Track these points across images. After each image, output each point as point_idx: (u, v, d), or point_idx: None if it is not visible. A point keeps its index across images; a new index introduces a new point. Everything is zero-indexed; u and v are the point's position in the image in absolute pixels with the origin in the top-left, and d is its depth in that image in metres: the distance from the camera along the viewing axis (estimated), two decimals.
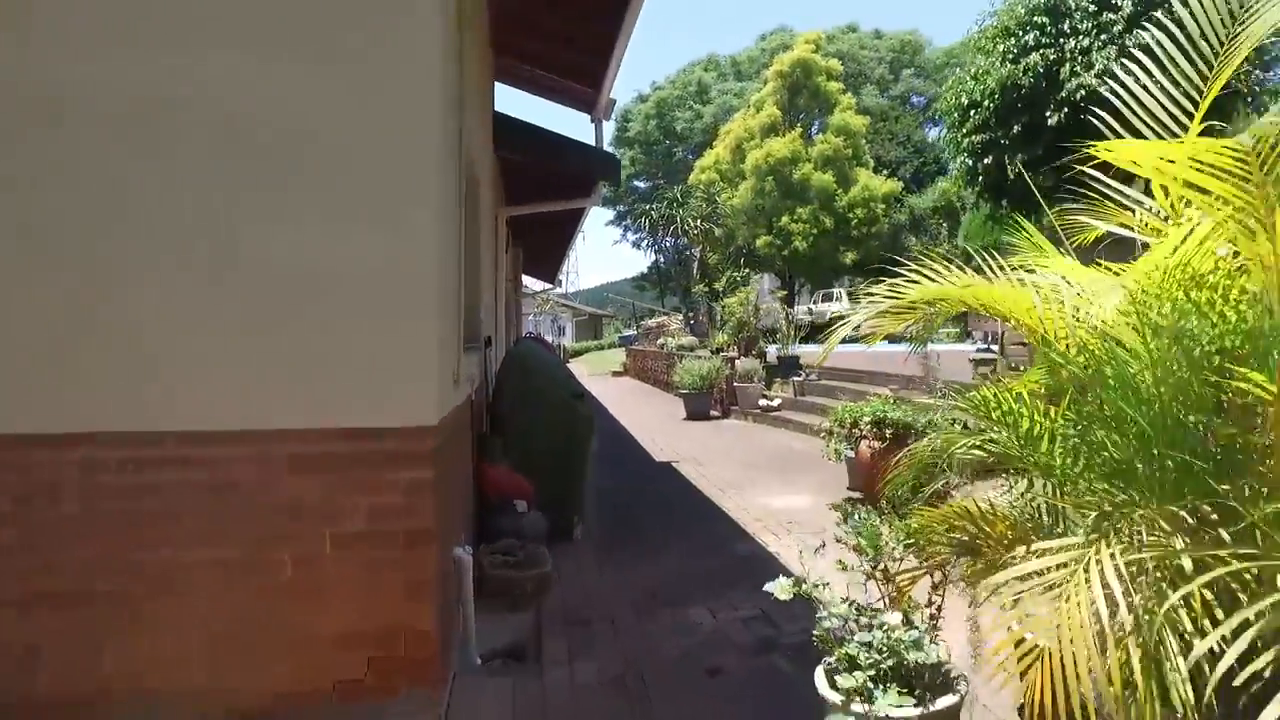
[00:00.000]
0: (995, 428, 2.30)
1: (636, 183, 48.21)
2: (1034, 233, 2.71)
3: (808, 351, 14.76)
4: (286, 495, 3.07)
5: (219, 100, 3.01)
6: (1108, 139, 6.33)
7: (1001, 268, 2.51)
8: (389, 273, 3.07)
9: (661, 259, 31.74)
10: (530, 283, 33.09)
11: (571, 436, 5.92)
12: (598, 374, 28.77)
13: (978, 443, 2.50)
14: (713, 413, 14.11)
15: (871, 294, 2.52)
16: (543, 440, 5.92)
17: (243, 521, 3.03)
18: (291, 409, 3.04)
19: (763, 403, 13.09)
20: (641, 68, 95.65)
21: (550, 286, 48.44)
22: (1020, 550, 2.11)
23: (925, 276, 2.48)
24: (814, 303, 37.43)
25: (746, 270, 31.90)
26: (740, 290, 14.74)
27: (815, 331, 35.79)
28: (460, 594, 4.02)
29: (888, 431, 6.71)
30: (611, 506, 7.42)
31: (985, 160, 7.11)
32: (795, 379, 13.06)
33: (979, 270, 2.55)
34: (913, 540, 2.73)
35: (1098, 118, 2.78)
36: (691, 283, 28.73)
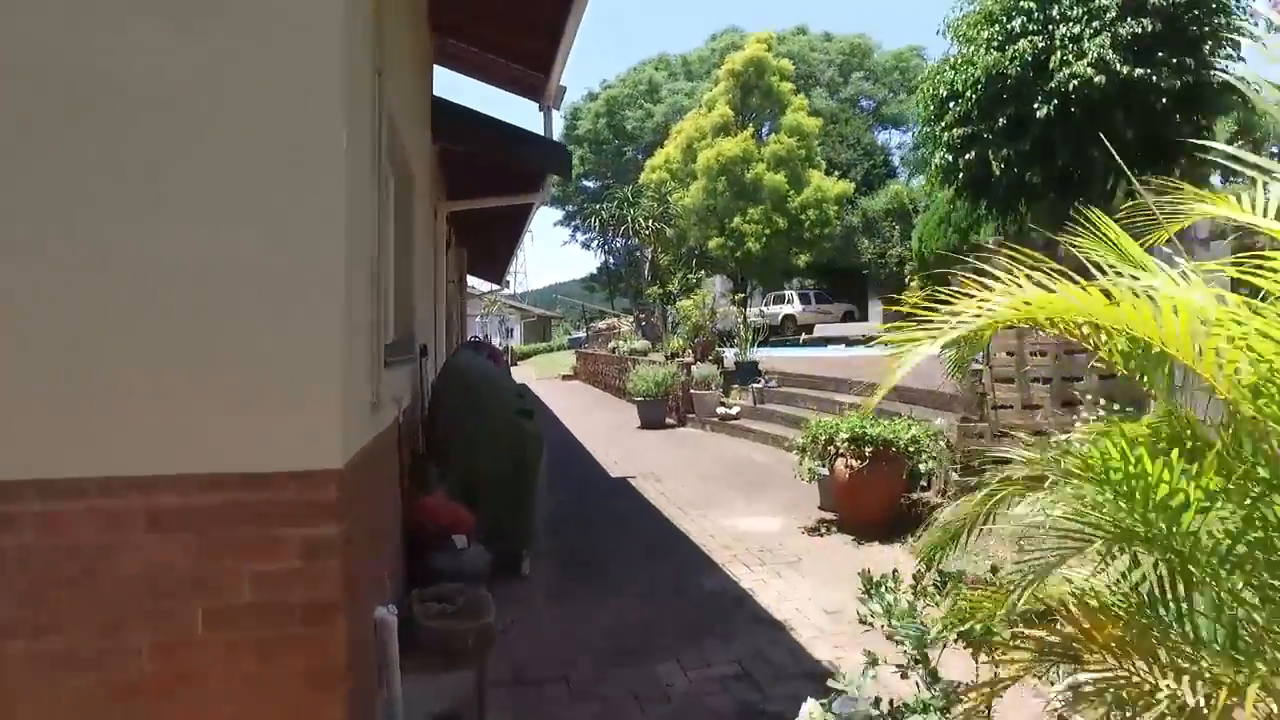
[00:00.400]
0: (1102, 489, 1.66)
1: (586, 182, 47.46)
2: (1114, 230, 2.09)
3: (767, 356, 14.23)
4: (142, 562, 2.32)
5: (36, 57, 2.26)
6: (1096, 134, 5.80)
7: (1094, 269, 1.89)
8: (276, 274, 2.35)
9: (611, 260, 31.03)
10: (476, 283, 32.28)
11: (519, 459, 5.22)
12: (547, 377, 28.00)
13: (1070, 508, 1.85)
14: (668, 421, 13.50)
15: (944, 306, 1.88)
16: (486, 464, 5.20)
17: (79, 600, 2.28)
18: (148, 450, 2.30)
19: (721, 411, 12.52)
20: (591, 67, 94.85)
21: (497, 287, 47.53)
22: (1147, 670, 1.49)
23: (992, 284, 1.85)
24: (765, 305, 37.14)
25: (701, 272, 31.45)
26: (695, 293, 14.14)
27: (771, 334, 35.66)
28: (384, 661, 3.31)
29: (867, 449, 6.13)
30: (564, 533, 6.73)
31: (966, 155, 6.55)
32: (754, 386, 12.51)
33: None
34: (968, 630, 2.10)
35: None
36: (643, 284, 28.09)
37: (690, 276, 29.22)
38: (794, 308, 35.60)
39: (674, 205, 27.51)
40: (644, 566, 5.74)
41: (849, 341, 26.69)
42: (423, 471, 5.25)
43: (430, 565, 4.86)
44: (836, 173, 31.33)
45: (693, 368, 13.35)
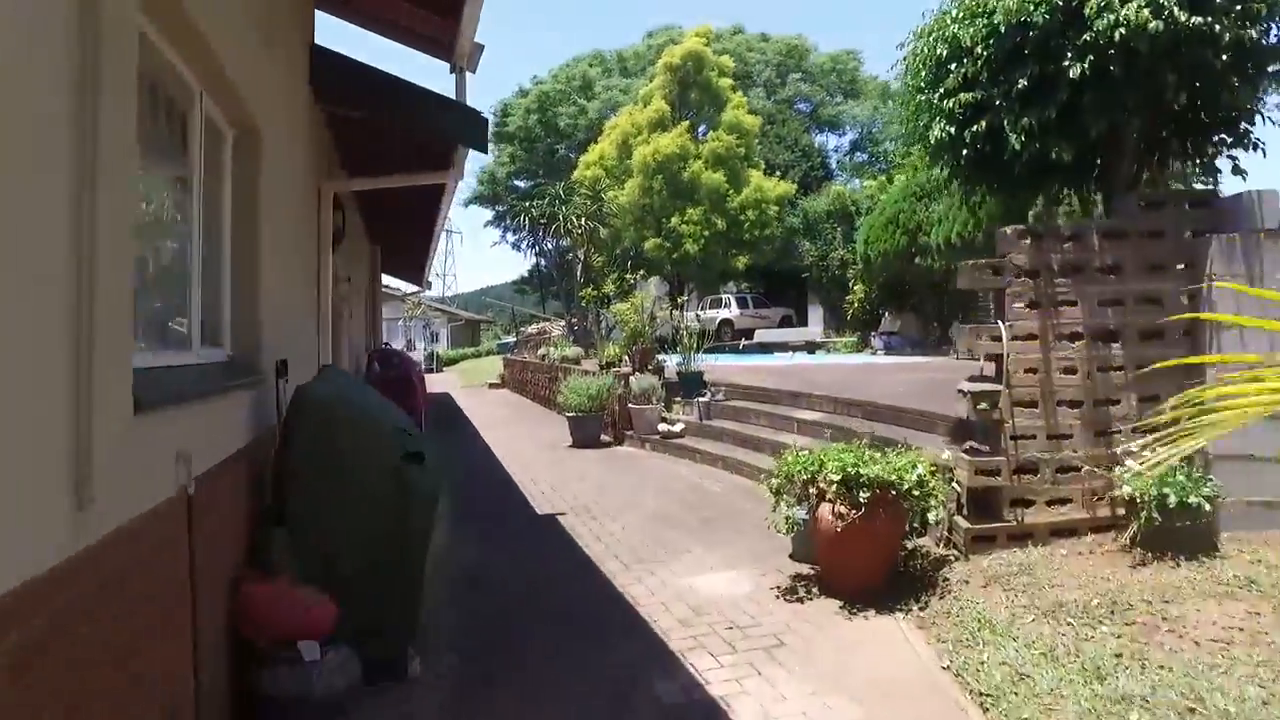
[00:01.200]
0: None
1: (517, 182, 45.70)
2: None
3: (710, 366, 12.91)
4: None
5: None
6: (1139, 97, 4.56)
7: None
8: None
9: (543, 262, 29.36)
10: (401, 285, 30.33)
11: (400, 526, 3.72)
12: (473, 386, 26.27)
13: None
14: (604, 438, 12.06)
15: None
16: (353, 530, 3.70)
17: None
18: None
19: (663, 428, 11.14)
20: (523, 65, 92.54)
21: (419, 289, 45.39)
22: None
23: None
24: (702, 309, 36.02)
25: (640, 273, 30.13)
26: (633, 295, 12.78)
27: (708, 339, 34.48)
28: None
29: (861, 494, 4.81)
30: (474, 601, 5.23)
31: (974, 127, 5.29)
32: (700, 400, 11.18)
33: None
34: None
35: None
36: (576, 286, 26.59)
37: (627, 278, 27.88)
38: (732, 312, 34.55)
39: (608, 204, 26.11)
40: (577, 658, 4.29)
41: (793, 348, 25.73)
42: (267, 543, 3.72)
43: (268, 687, 3.35)
44: (776, 173, 30.37)
45: (631, 379, 11.95)
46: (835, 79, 43.44)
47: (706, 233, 25.75)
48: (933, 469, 5.19)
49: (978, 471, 5.36)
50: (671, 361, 12.83)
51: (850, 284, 25.01)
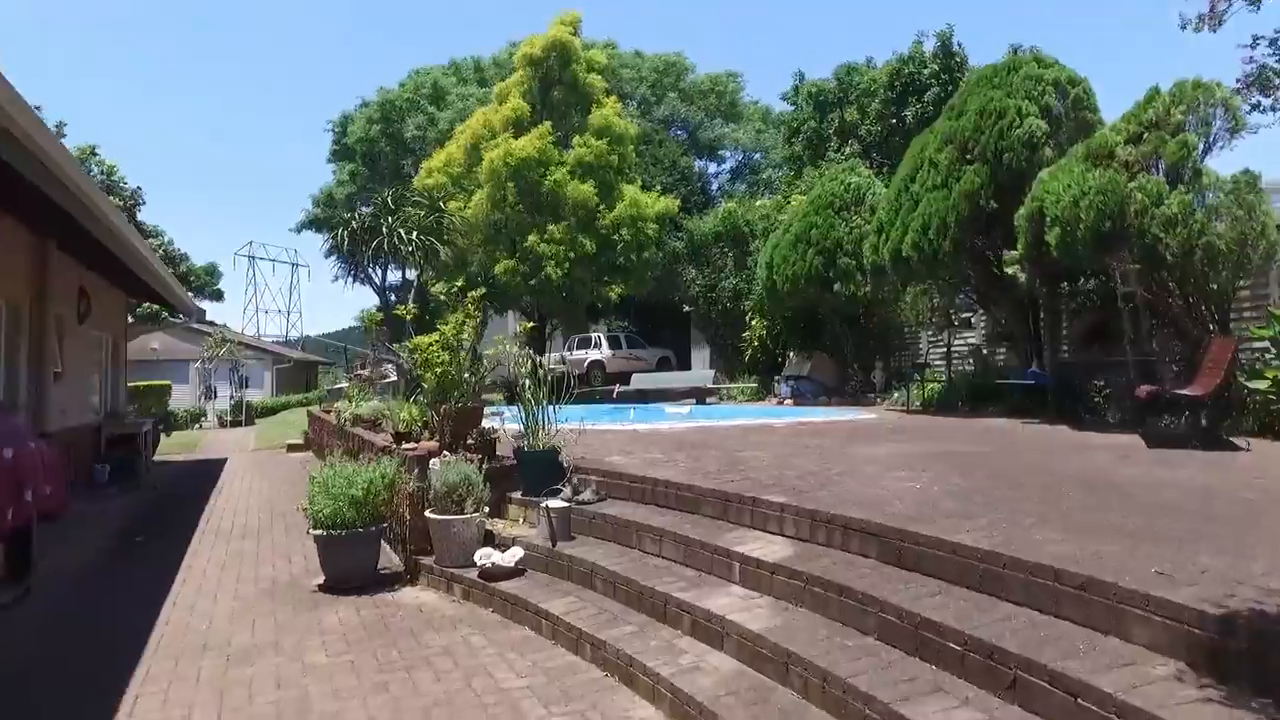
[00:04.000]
0: None
1: (365, 207, 39.65)
2: None
3: (579, 434, 7.90)
4: None
5: None
6: None
7: None
8: None
9: (374, 290, 23.62)
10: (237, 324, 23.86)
11: None
12: (270, 447, 20.14)
13: None
14: (383, 568, 6.85)
15: None
16: None
17: None
18: None
19: (484, 562, 6.03)
20: (371, 77, 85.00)
21: (219, 324, 38.60)
22: None
23: None
24: (568, 349, 31.10)
25: (486, 307, 24.92)
26: (447, 319, 7.68)
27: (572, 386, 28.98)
28: None
29: None
30: None
31: None
32: (549, 505, 6.19)
33: None
34: None
35: None
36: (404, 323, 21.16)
37: (469, 312, 22.53)
38: (603, 353, 29.78)
39: (450, 217, 20.91)
40: None
41: (679, 397, 21.04)
42: None
43: None
44: (657, 189, 26.05)
45: (432, 464, 6.82)
46: (714, 101, 40.04)
47: (571, 254, 20.95)
48: None
49: None
50: (508, 423, 7.78)
51: (746, 318, 20.72)
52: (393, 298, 23.00)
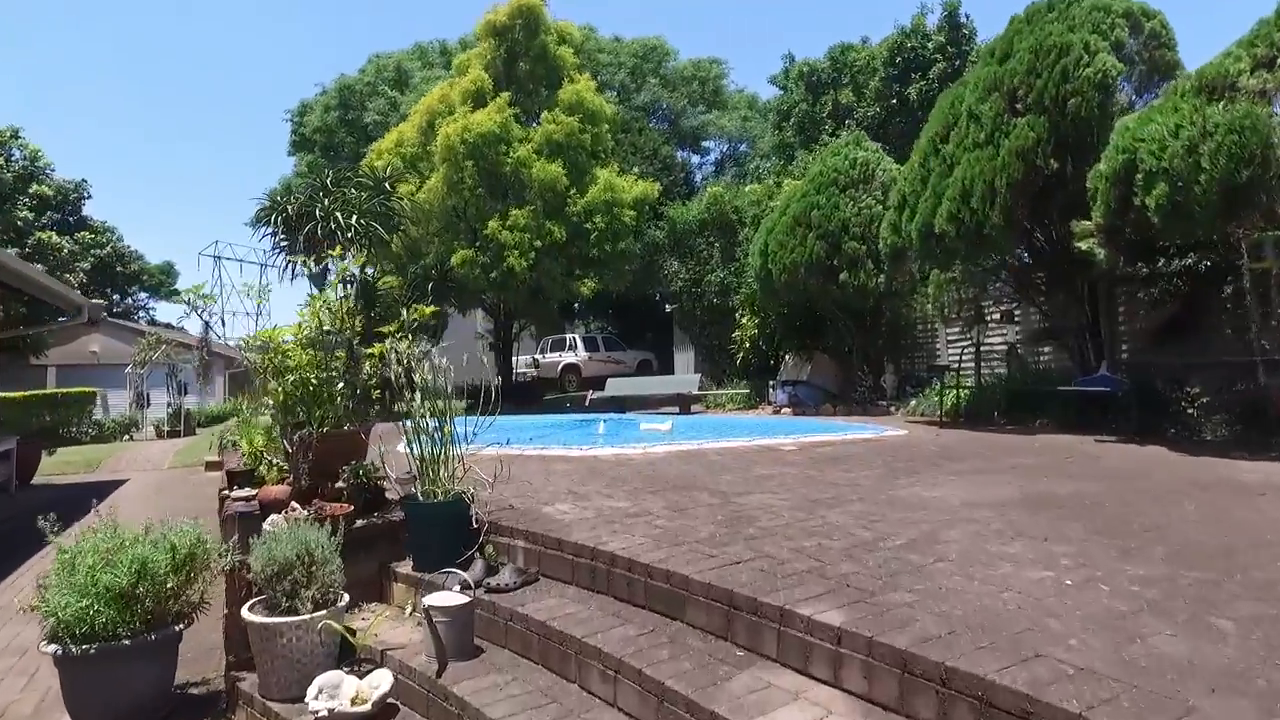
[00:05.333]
0: None
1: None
2: None
3: (515, 461, 5.43)
4: None
5: None
6: None
7: None
8: None
9: (311, 284, 20.97)
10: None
11: None
12: (188, 465, 17.45)
13: None
14: (191, 687, 4.36)
15: None
16: None
17: None
18: None
19: (321, 703, 3.54)
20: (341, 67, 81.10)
21: (177, 324, 36.29)
22: None
23: None
24: (541, 352, 28.62)
25: (444, 305, 22.36)
26: (315, 300, 5.25)
27: (534, 390, 26.51)
28: None
29: None
30: None
31: None
32: (443, 598, 3.77)
33: None
34: None
35: None
36: (349, 320, 18.63)
37: (413, 312, 19.95)
38: (578, 355, 27.33)
39: (399, 201, 18.38)
40: None
41: (659, 405, 18.57)
42: None
43: None
44: (634, 171, 23.64)
45: (270, 523, 4.35)
46: (698, 88, 37.70)
47: (538, 243, 18.45)
48: None
49: None
50: (402, 450, 5.29)
51: (736, 316, 18.30)
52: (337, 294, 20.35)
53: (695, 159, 38.09)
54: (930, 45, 22.65)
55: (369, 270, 21.15)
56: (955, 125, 9.94)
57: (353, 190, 17.92)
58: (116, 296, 49.46)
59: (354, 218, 16.62)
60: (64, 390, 25.03)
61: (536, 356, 28.37)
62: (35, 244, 31.65)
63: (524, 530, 4.50)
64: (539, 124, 20.15)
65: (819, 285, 14.17)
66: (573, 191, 19.44)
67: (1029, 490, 5.30)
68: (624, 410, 18.23)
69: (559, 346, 27.98)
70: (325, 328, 5.30)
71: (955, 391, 12.59)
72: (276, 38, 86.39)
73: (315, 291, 19.45)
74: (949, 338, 15.06)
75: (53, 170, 36.20)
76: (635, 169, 26.17)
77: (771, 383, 16.67)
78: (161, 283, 53.64)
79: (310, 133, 36.99)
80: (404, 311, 17.36)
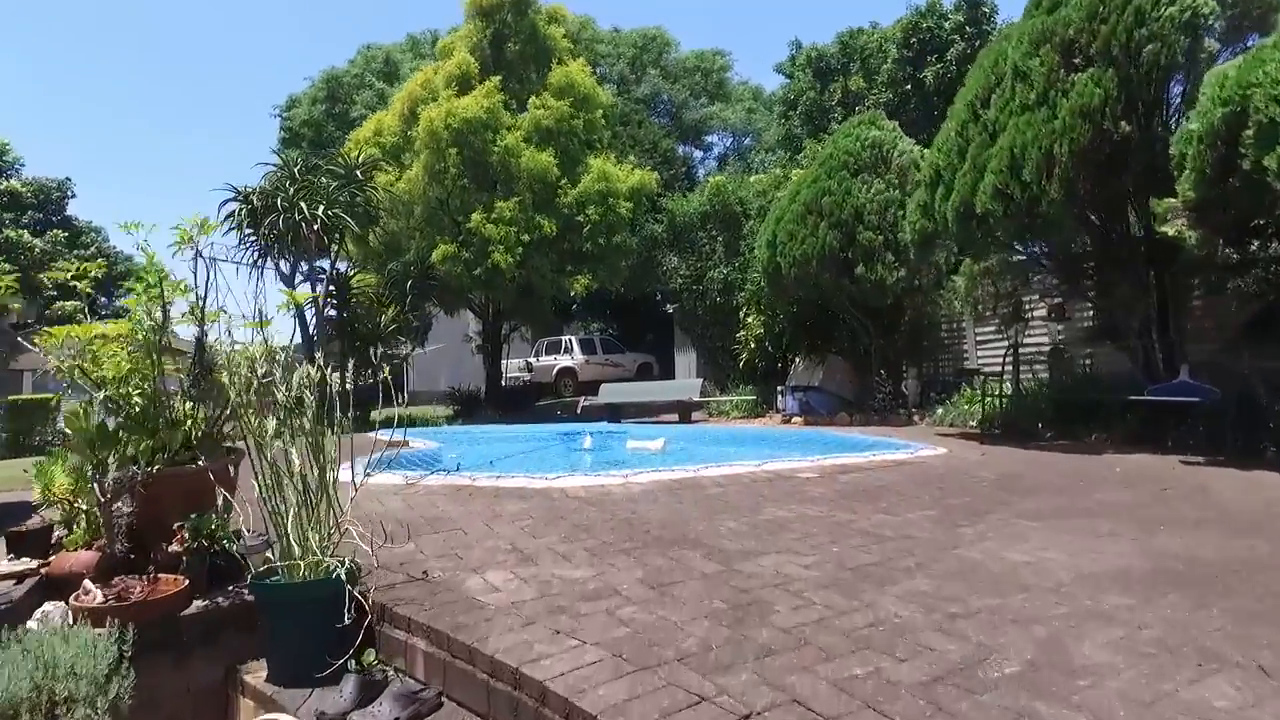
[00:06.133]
0: None
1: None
2: None
3: (455, 494, 3.97)
4: None
5: None
6: None
7: None
8: None
9: (280, 283, 19.18)
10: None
11: None
12: None
13: None
14: None
15: None
16: None
17: None
18: None
19: None
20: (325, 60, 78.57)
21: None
22: None
23: None
24: (535, 355, 27.11)
25: (429, 307, 20.87)
26: (139, 287, 3.81)
27: (524, 396, 24.83)
28: None
29: None
30: None
31: None
32: None
33: None
34: None
35: None
36: (328, 329, 17.06)
37: (401, 316, 18.42)
38: (574, 359, 25.79)
39: (375, 191, 16.92)
40: None
41: (658, 413, 17.05)
42: None
43: None
44: (630, 159, 22.16)
45: (41, 614, 2.85)
46: (700, 80, 36.19)
47: (526, 237, 16.95)
48: None
49: None
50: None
51: (741, 315, 16.78)
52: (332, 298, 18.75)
53: (697, 154, 36.60)
54: (948, 25, 21.12)
55: (340, 267, 19.76)
56: (998, 86, 8.42)
57: (323, 179, 16.46)
58: (105, 298, 48.20)
59: (320, 208, 15.15)
60: (31, 396, 23.55)
61: (530, 360, 26.86)
62: (3, 242, 30.20)
63: (425, 625, 3.01)
64: (529, 111, 18.64)
65: (831, 280, 12.65)
66: (564, 182, 17.95)
67: (1152, 548, 3.78)
68: (619, 418, 16.71)
69: (554, 349, 26.47)
70: (166, 324, 3.79)
71: (991, 399, 11.09)
72: (268, 31, 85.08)
73: (287, 290, 18.01)
74: (979, 338, 13.53)
75: (22, 165, 34.83)
76: (633, 159, 24.68)
77: (780, 388, 15.15)
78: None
79: (298, 127, 35.56)
80: (382, 313, 15.63)
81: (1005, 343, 12.19)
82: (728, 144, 37.03)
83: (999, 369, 12.87)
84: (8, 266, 28.58)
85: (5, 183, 33.99)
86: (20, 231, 31.25)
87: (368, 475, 3.49)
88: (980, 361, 13.32)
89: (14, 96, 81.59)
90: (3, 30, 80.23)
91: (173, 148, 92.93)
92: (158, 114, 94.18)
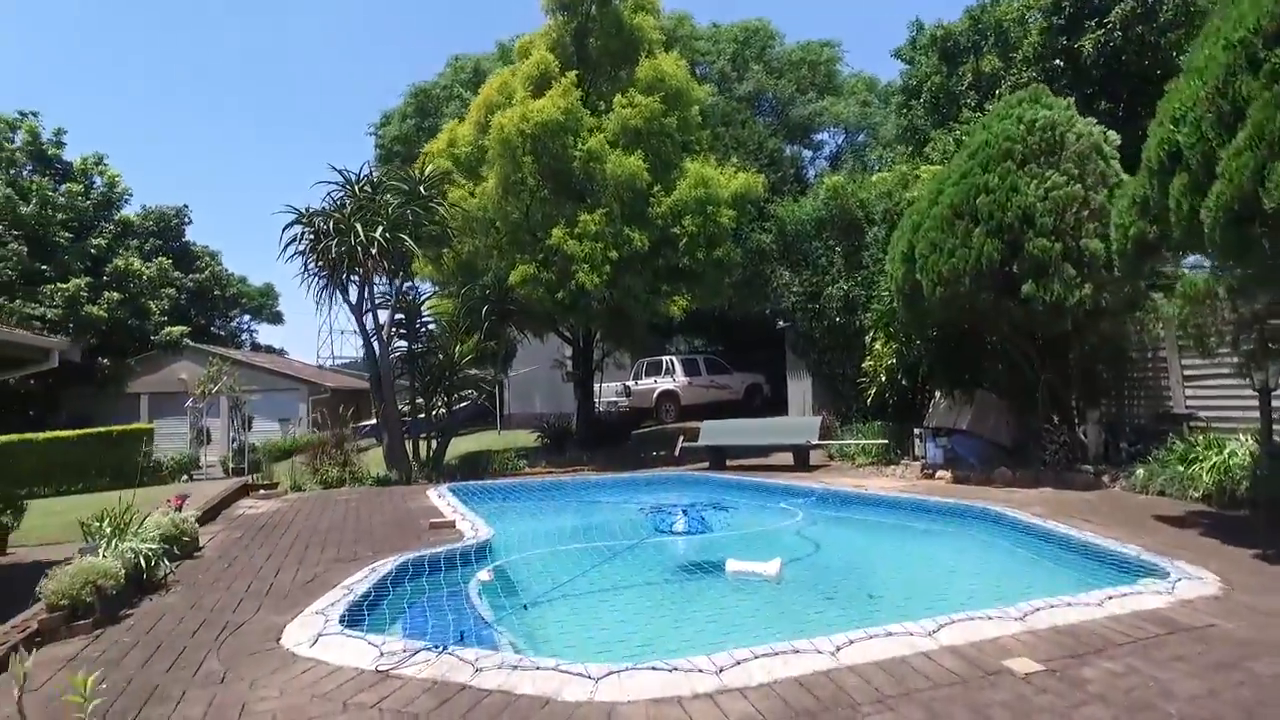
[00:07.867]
0: None
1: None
2: None
3: None
4: None
5: None
6: None
7: None
8: None
9: (349, 313, 17.45)
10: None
11: None
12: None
13: None
14: None
15: None
16: None
17: None
18: None
19: None
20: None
21: (278, 348, 34.80)
22: None
23: None
24: (634, 378, 24.96)
25: (512, 330, 19.01)
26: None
27: (633, 418, 22.73)
28: None
29: None
30: None
31: None
32: None
33: None
34: None
35: None
36: (384, 360, 15.31)
37: (480, 345, 16.51)
38: (676, 381, 23.48)
39: (442, 205, 15.13)
40: None
41: (803, 460, 14.45)
42: None
43: None
44: (732, 161, 19.71)
45: None
46: (807, 73, 33.34)
47: (614, 254, 14.77)
48: None
49: None
50: None
51: (866, 339, 14.07)
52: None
53: (807, 154, 33.75)
54: None
55: (417, 289, 18.16)
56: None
57: (386, 197, 14.78)
58: (219, 321, 49.21)
59: (379, 230, 13.42)
60: (118, 428, 23.11)
61: (628, 383, 24.75)
62: (113, 271, 30.40)
63: None
64: (614, 110, 16.52)
65: (991, 302, 9.90)
66: (657, 189, 15.71)
67: None
68: (723, 462, 14.31)
69: (654, 370, 24.26)
70: None
71: (1223, 458, 8.16)
72: (364, 49, 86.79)
73: (354, 319, 16.55)
74: (1185, 372, 10.46)
75: (130, 197, 35.35)
76: (735, 161, 22.21)
77: (917, 431, 12.42)
78: (263, 305, 53.13)
79: (389, 143, 34.75)
80: (459, 342, 13.37)
81: (1229, 380, 9.17)
82: (839, 141, 34.05)
83: (1219, 415, 9.81)
84: (118, 296, 28.19)
85: (118, 214, 34.60)
86: (130, 260, 31.45)
87: None
88: (1189, 405, 10.28)
89: (135, 129, 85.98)
90: (125, 71, 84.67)
91: (282, 170, 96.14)
92: (266, 134, 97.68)
